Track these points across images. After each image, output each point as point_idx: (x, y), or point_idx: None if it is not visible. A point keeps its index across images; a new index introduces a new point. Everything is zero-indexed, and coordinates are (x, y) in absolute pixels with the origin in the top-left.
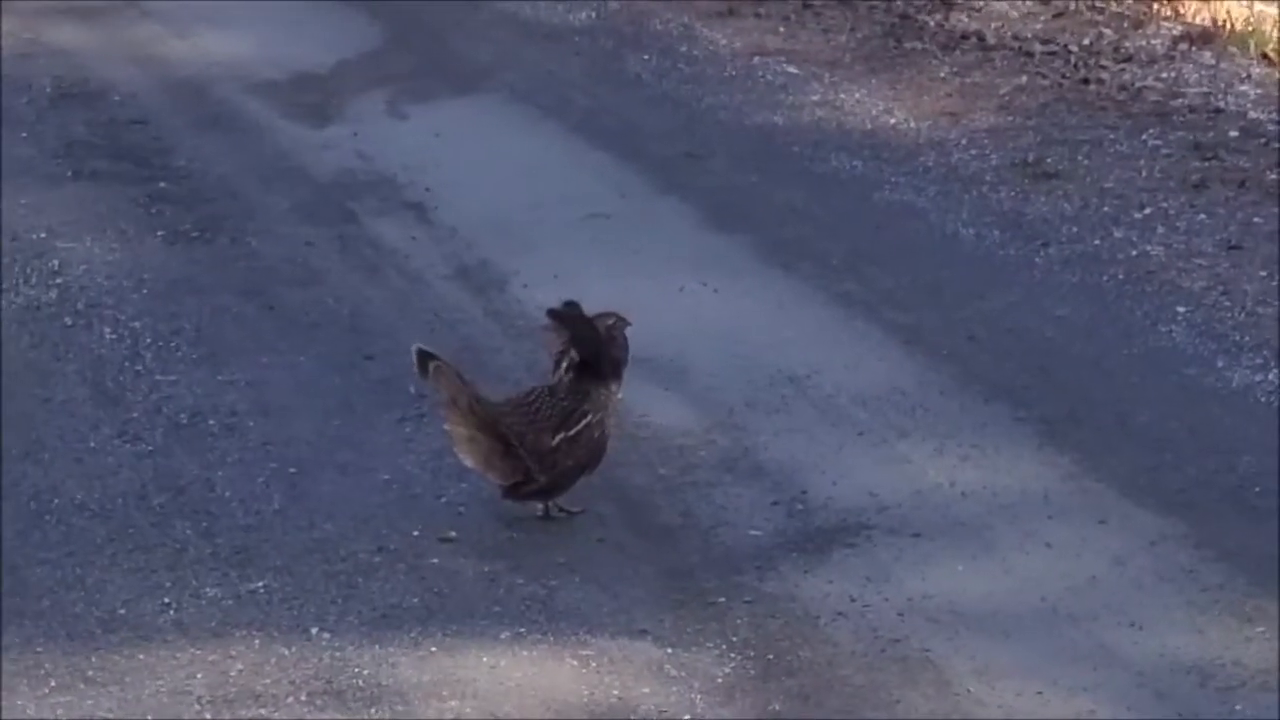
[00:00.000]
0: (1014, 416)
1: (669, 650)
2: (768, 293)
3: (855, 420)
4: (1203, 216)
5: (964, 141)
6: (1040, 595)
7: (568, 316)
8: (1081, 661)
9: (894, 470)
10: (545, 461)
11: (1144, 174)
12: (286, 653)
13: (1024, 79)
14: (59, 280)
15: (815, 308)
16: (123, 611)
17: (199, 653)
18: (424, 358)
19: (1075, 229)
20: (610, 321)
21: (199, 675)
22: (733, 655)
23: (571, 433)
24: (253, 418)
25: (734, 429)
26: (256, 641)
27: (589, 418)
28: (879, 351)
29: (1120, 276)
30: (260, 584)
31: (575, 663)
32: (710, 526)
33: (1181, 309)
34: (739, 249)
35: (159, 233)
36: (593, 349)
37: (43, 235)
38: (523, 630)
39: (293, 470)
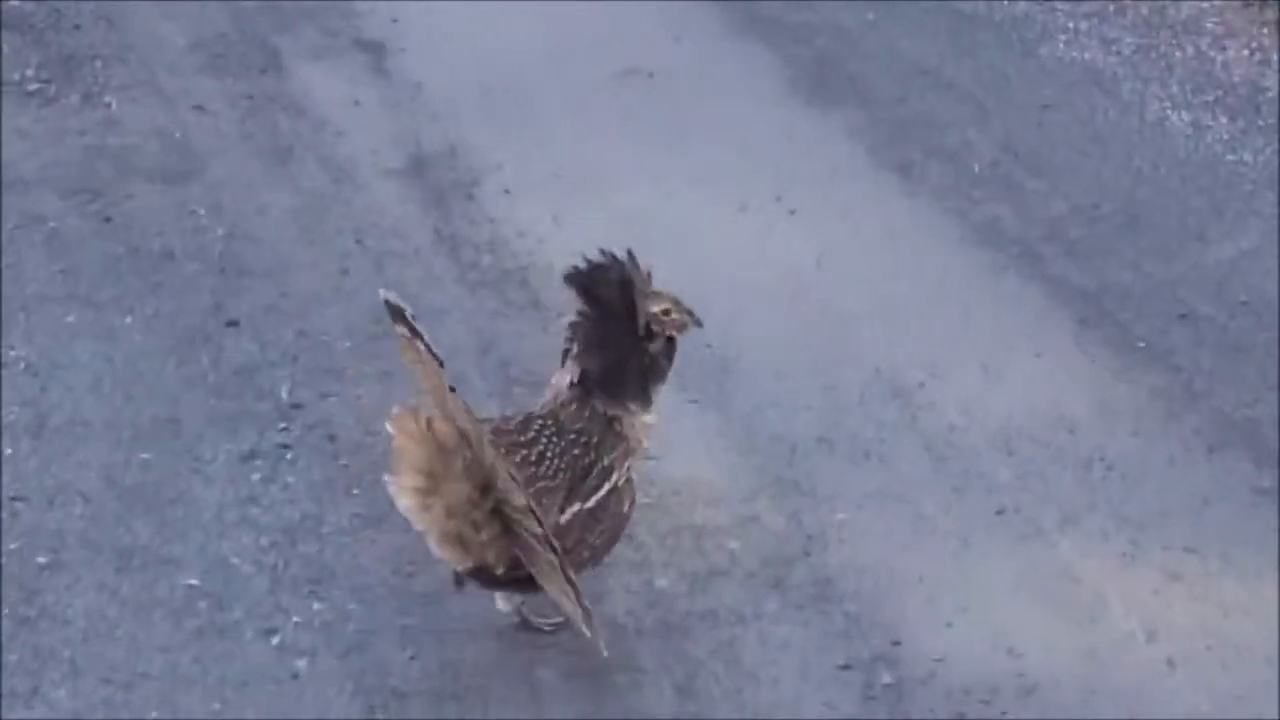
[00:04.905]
0: (1254, 485)
1: None
2: (873, 216)
3: (992, 482)
4: None
5: None
6: None
7: (591, 277)
8: None
9: (1051, 598)
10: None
11: None
12: None
13: None
14: None
15: (944, 247)
16: None
17: None
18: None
19: None
20: (660, 309)
21: None
22: None
23: (590, 504)
24: (13, 440)
25: (792, 492)
26: None
27: (615, 478)
28: (1038, 336)
29: None
30: None
31: None
32: None
33: None
34: (837, 136)
35: None
36: (606, 343)
37: None
38: None
39: (42, 560)
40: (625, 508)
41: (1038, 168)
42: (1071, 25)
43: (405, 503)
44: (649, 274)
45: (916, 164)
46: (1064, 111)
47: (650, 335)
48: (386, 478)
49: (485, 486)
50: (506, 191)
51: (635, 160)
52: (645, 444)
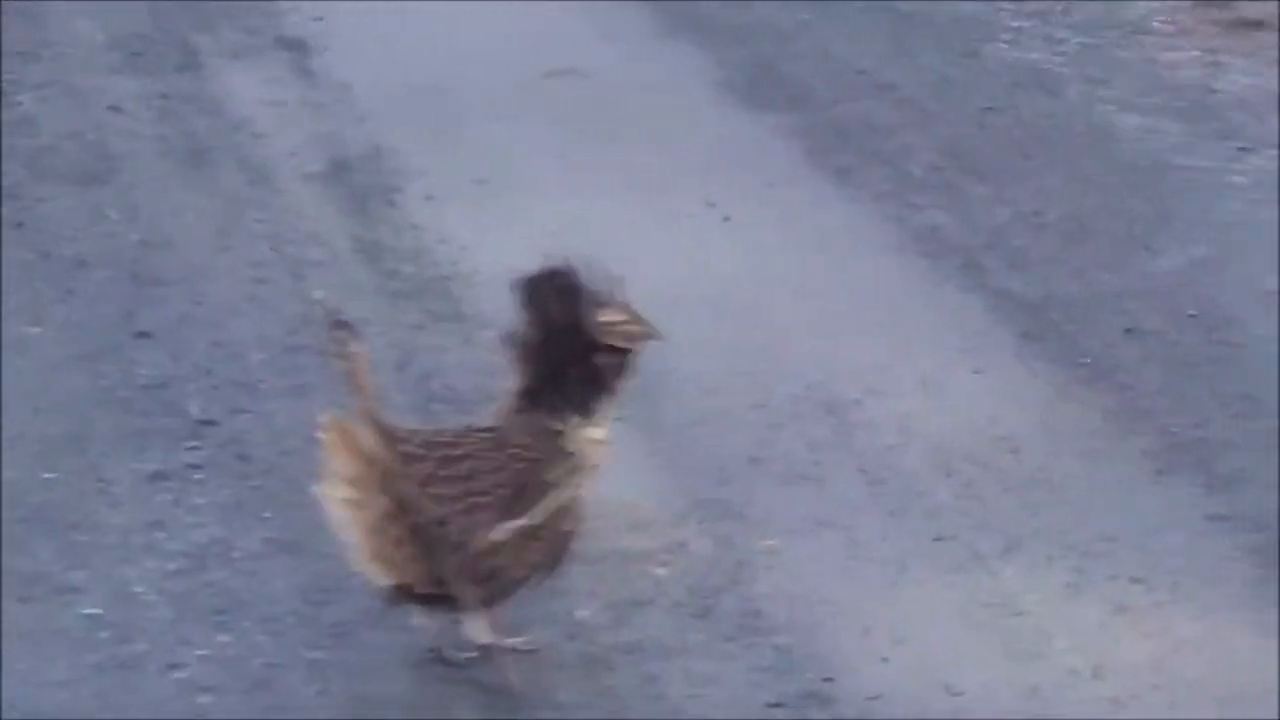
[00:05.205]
0: (1205, 511)
1: None
2: (808, 223)
3: (930, 506)
4: None
5: None
6: None
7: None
8: None
9: (992, 631)
10: (474, 569)
11: None
12: None
13: None
14: None
15: (882, 255)
16: None
17: None
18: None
19: None
20: (610, 320)
21: None
22: None
23: (527, 521)
24: None
25: (722, 516)
26: None
27: (558, 495)
28: (979, 351)
29: None
30: None
31: None
32: None
33: None
34: (772, 139)
35: None
36: (544, 352)
37: None
38: None
39: None
40: (569, 527)
41: (979, 173)
42: (1015, 25)
43: (335, 514)
44: (618, 284)
45: (854, 169)
46: (1007, 114)
47: (596, 346)
48: (316, 487)
49: (403, 503)
50: (429, 197)
51: (563, 165)
52: (595, 461)
